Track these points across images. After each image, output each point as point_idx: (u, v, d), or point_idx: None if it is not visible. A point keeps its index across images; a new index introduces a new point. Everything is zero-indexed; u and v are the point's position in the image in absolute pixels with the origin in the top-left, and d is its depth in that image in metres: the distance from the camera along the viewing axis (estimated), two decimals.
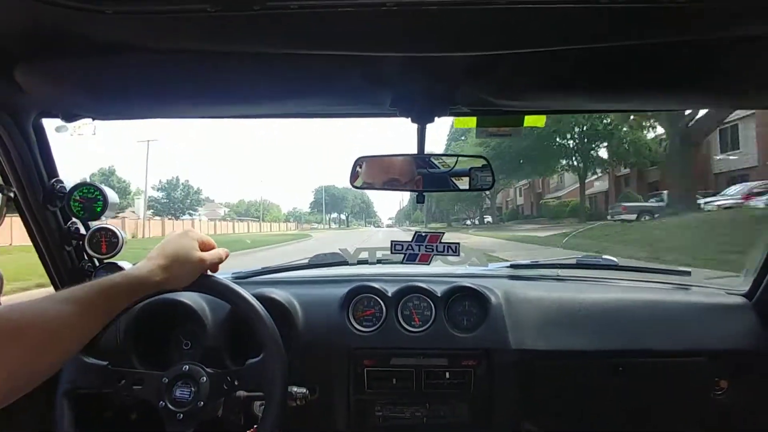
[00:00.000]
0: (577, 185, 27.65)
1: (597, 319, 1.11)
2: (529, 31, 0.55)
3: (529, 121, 0.93)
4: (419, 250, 0.97)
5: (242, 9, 0.49)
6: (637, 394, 1.11)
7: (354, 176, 0.89)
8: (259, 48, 0.61)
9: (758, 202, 11.39)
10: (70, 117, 0.89)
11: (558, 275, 1.32)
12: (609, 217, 16.04)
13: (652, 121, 15.94)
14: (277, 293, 1.10)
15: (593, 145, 21.18)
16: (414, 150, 0.89)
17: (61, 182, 0.99)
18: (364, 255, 1.11)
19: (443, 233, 0.99)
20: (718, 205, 12.49)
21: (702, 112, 12.21)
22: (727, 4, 0.49)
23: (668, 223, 11.41)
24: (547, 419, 1.15)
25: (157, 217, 32.57)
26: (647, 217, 14.35)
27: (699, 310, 1.13)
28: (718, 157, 17.68)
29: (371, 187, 0.91)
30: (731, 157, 16.91)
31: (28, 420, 0.91)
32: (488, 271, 1.33)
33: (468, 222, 34.08)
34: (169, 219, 32.47)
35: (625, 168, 22.46)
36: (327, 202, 66.27)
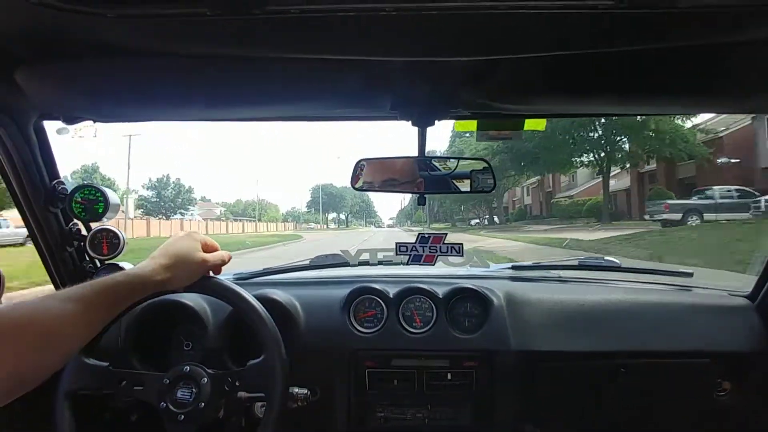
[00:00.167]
0: (591, 183, 26.19)
1: (599, 321, 1.11)
2: (529, 35, 0.55)
3: (530, 124, 0.93)
4: (423, 251, 0.98)
5: (242, 13, 0.49)
6: (639, 395, 1.11)
7: (355, 178, 0.90)
8: (259, 52, 0.61)
9: None
10: (71, 119, 0.89)
11: (560, 276, 1.32)
12: (648, 217, 14.17)
13: None
14: (279, 294, 1.10)
15: (620, 137, 18.93)
16: (414, 152, 0.89)
17: (63, 184, 1.00)
18: (365, 256, 1.12)
19: (446, 234, 1.00)
20: None
21: None
22: (725, 9, 0.49)
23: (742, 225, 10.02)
24: (549, 420, 1.14)
25: (147, 216, 31.84)
26: (694, 217, 12.63)
27: (702, 311, 1.13)
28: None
29: (372, 188, 0.91)
30: None
31: (28, 420, 0.92)
32: (490, 272, 1.33)
33: (473, 222, 32.68)
34: (159, 219, 31.62)
35: (648, 163, 20.21)
36: (324, 202, 63.36)
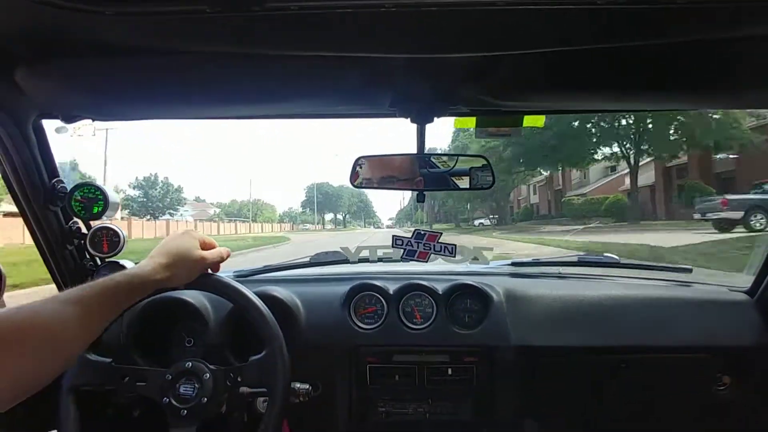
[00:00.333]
0: (605, 181, 24.25)
1: (599, 316, 1.11)
2: (528, 32, 0.55)
3: (529, 121, 0.93)
4: (418, 247, 0.99)
5: (242, 10, 0.48)
6: (639, 390, 1.12)
7: (354, 175, 0.90)
8: (258, 49, 0.61)
9: None
10: (70, 118, 0.89)
11: (559, 272, 1.32)
12: (698, 215, 11.48)
13: None
14: (279, 291, 1.10)
15: (655, 124, 15.97)
16: (413, 149, 0.89)
17: (62, 182, 1.00)
18: (365, 253, 1.12)
19: (441, 233, 1.00)
20: None
21: None
22: (723, 5, 0.49)
23: None
24: (549, 415, 1.15)
25: (135, 217, 30.41)
26: (759, 216, 10.08)
27: (701, 306, 1.13)
28: None
29: (371, 186, 0.91)
30: None
31: (29, 419, 0.92)
32: (489, 268, 1.33)
33: (476, 222, 30.13)
34: (145, 219, 29.96)
35: (688, 152, 16.97)
36: (320, 201, 59.94)
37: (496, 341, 1.07)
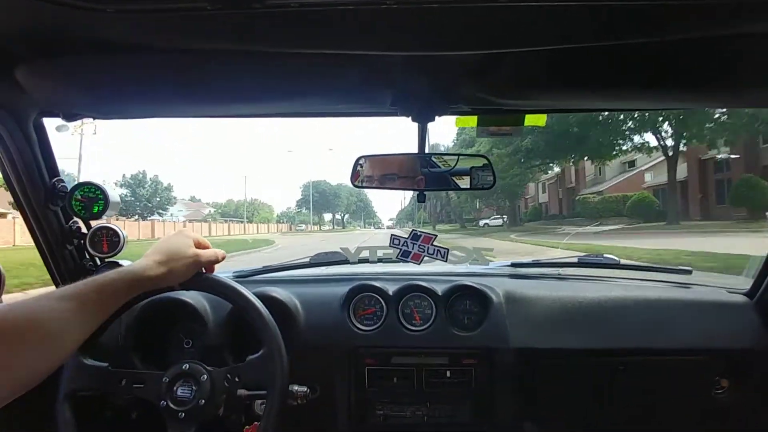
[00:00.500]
0: (623, 177, 22.07)
1: (598, 318, 1.11)
2: (529, 29, 0.55)
3: (530, 120, 0.93)
4: (413, 248, 1.00)
5: (242, 7, 0.49)
6: (638, 392, 1.11)
7: (355, 175, 0.90)
8: (259, 47, 0.61)
9: None
10: (70, 116, 0.89)
11: (559, 274, 1.32)
12: None
13: None
14: (278, 292, 1.10)
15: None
16: (414, 148, 0.89)
17: (63, 181, 1.00)
18: (365, 254, 1.12)
19: (436, 235, 1.01)
20: None
21: None
22: (725, 1, 0.49)
23: None
24: (548, 418, 1.15)
25: (122, 218, 28.17)
26: None
27: (700, 308, 1.13)
28: None
29: (372, 186, 0.91)
30: None
31: (28, 420, 0.92)
32: (489, 269, 1.33)
33: (482, 223, 28.10)
34: (135, 220, 28.78)
35: (714, 149, 15.13)
36: (317, 200, 56.71)
37: (495, 343, 1.07)
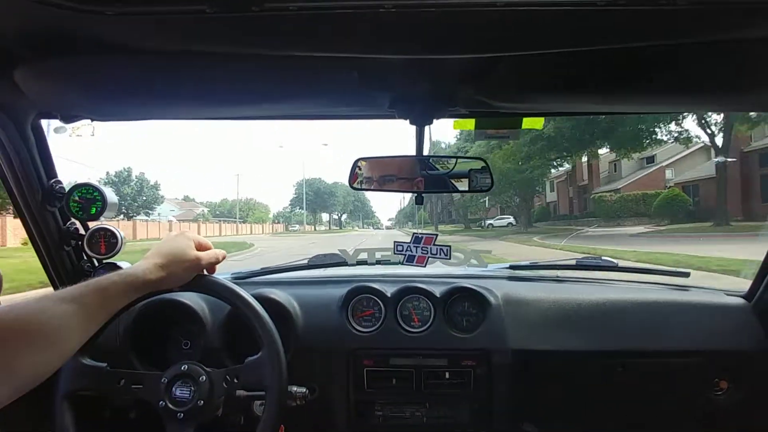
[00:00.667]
0: (641, 174, 19.99)
1: (596, 320, 1.11)
2: (527, 33, 0.55)
3: (528, 123, 0.94)
4: (417, 252, 1.00)
5: (241, 10, 0.49)
6: (636, 394, 1.12)
7: (353, 177, 0.90)
8: (257, 49, 0.61)
9: None
10: (68, 118, 0.89)
11: (557, 276, 1.32)
12: None
13: None
14: (277, 294, 1.10)
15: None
16: (412, 150, 0.89)
17: (60, 183, 1.00)
18: (363, 256, 1.12)
19: (437, 235, 1.01)
20: None
21: None
22: (724, 6, 0.49)
23: None
24: (547, 419, 1.15)
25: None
26: None
27: (698, 310, 1.13)
28: None
29: (370, 188, 0.91)
30: None
31: (27, 420, 0.91)
32: (487, 272, 1.33)
33: (486, 223, 26.50)
34: (121, 220, 26.42)
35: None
36: (311, 199, 53.73)
37: (494, 345, 1.07)
